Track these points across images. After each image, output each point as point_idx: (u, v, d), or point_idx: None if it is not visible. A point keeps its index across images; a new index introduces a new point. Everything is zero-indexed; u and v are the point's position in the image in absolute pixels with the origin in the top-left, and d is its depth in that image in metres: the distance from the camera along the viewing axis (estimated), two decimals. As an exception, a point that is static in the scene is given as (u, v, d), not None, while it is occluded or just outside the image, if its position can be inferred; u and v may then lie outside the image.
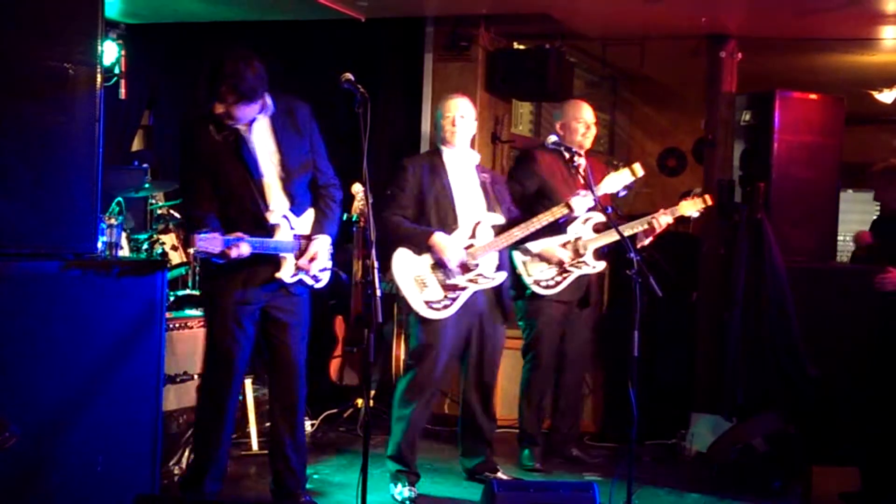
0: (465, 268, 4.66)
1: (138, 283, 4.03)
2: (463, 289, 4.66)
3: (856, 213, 9.13)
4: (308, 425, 6.00)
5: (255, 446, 5.37)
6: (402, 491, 4.68)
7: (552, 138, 5.09)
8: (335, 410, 6.14)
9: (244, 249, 3.90)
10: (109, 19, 6.24)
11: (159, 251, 5.71)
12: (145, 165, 6.83)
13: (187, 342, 5.53)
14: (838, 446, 5.21)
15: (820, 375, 5.39)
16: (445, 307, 4.63)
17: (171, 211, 6.08)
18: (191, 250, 3.80)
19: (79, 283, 3.79)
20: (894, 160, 5.94)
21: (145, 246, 5.66)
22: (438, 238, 4.60)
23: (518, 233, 4.76)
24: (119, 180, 6.14)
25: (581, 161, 5.18)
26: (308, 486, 4.54)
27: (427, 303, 4.61)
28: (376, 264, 3.80)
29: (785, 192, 5.86)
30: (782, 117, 5.87)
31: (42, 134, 3.73)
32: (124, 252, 5.32)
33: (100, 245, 4.07)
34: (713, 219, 6.12)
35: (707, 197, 5.23)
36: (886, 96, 7.87)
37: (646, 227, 5.07)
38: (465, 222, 4.70)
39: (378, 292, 3.70)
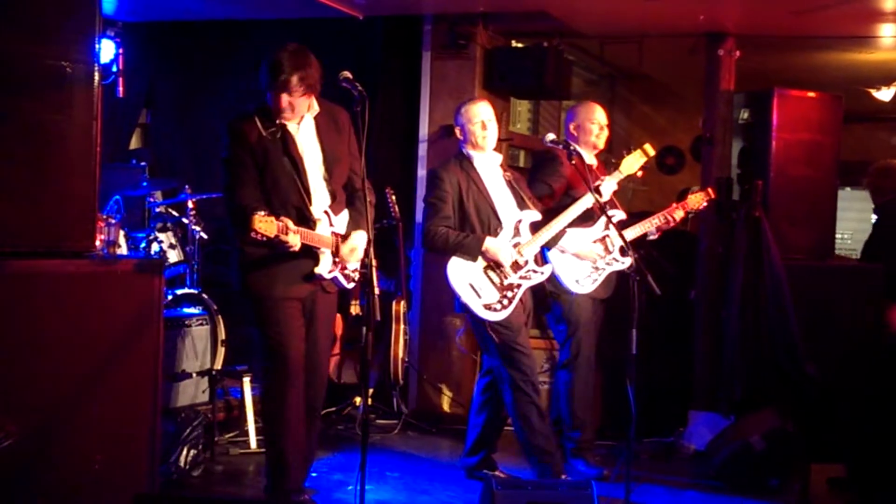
0: (516, 266, 4.78)
1: (136, 282, 4.03)
2: (518, 286, 4.78)
3: (854, 212, 9.15)
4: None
5: (253, 444, 5.37)
6: None
7: (550, 136, 5.10)
8: (333, 409, 6.15)
9: (293, 239, 3.95)
10: (106, 17, 6.23)
11: (157, 249, 5.72)
12: (143, 164, 6.83)
13: (185, 340, 5.54)
14: (836, 443, 5.22)
15: (817, 373, 5.40)
16: (504, 307, 4.74)
17: (170, 209, 6.09)
18: (251, 233, 3.78)
19: (77, 282, 3.79)
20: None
21: (143, 244, 5.66)
22: (490, 243, 4.74)
23: (557, 225, 4.90)
24: (117, 178, 6.15)
25: (593, 162, 5.31)
26: (306, 484, 4.53)
27: (486, 306, 4.72)
28: (374, 263, 3.83)
29: (783, 190, 5.86)
30: (780, 115, 5.86)
31: (40, 132, 3.74)
32: (122, 250, 5.33)
33: (98, 243, 4.06)
34: (711, 217, 6.13)
35: (710, 189, 5.38)
36: (884, 94, 7.87)
37: (661, 221, 5.21)
38: (507, 222, 4.83)
39: (376, 291, 3.73)
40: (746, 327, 5.64)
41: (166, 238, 5.85)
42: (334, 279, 4.25)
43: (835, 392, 5.35)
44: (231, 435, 5.56)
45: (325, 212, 4.22)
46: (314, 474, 5.00)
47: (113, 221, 4.64)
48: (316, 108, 4.22)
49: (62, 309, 3.74)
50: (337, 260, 4.23)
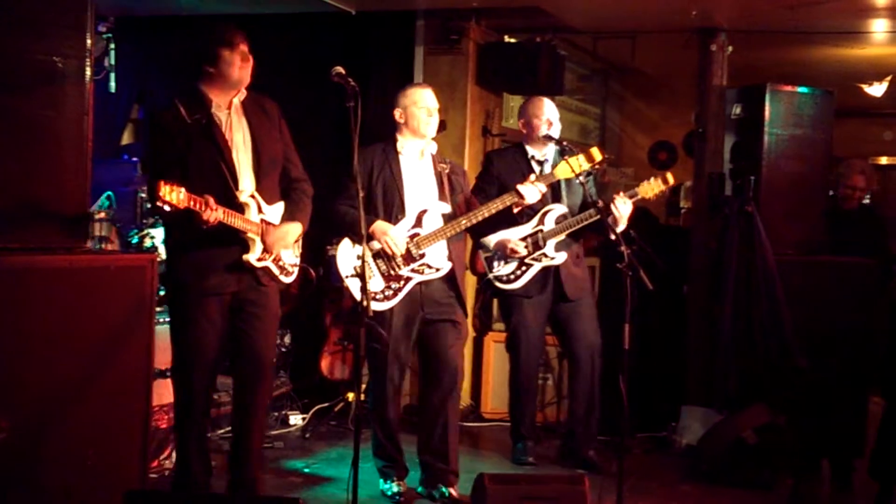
0: (409, 258, 4.58)
1: (128, 277, 4.02)
2: (407, 279, 4.56)
3: (846, 207, 9.14)
4: (299, 419, 6.01)
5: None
6: (390, 485, 4.68)
7: (543, 132, 5.13)
8: (326, 405, 6.15)
9: (215, 213, 3.80)
10: (98, 12, 6.21)
11: (149, 245, 5.70)
12: (135, 159, 6.81)
13: (178, 336, 5.52)
14: (830, 438, 5.24)
15: (810, 367, 5.41)
16: (387, 298, 4.52)
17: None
18: (157, 202, 3.63)
19: (68, 277, 3.78)
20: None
21: (135, 240, 5.64)
22: (379, 226, 4.52)
23: (465, 221, 4.61)
24: (109, 174, 6.12)
25: (544, 155, 5.25)
26: (298, 479, 4.54)
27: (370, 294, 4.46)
28: (355, 257, 3.78)
29: (775, 185, 5.87)
30: (773, 110, 5.88)
31: (31, 128, 3.72)
32: (114, 246, 5.31)
33: (89, 239, 4.05)
34: (704, 212, 6.14)
35: (668, 175, 5.11)
36: (876, 89, 7.89)
37: (593, 218, 4.98)
38: (411, 212, 4.61)
39: (368, 286, 3.69)
40: (739, 322, 5.65)
41: (158, 233, 5.83)
42: (265, 269, 4.12)
43: (827, 385, 5.36)
44: (223, 431, 5.54)
45: (253, 196, 4.07)
46: (306, 470, 5.00)
47: (105, 217, 4.63)
48: (243, 94, 4.14)
49: (54, 305, 3.72)
50: (268, 240, 4.07)
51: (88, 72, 3.87)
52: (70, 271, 3.79)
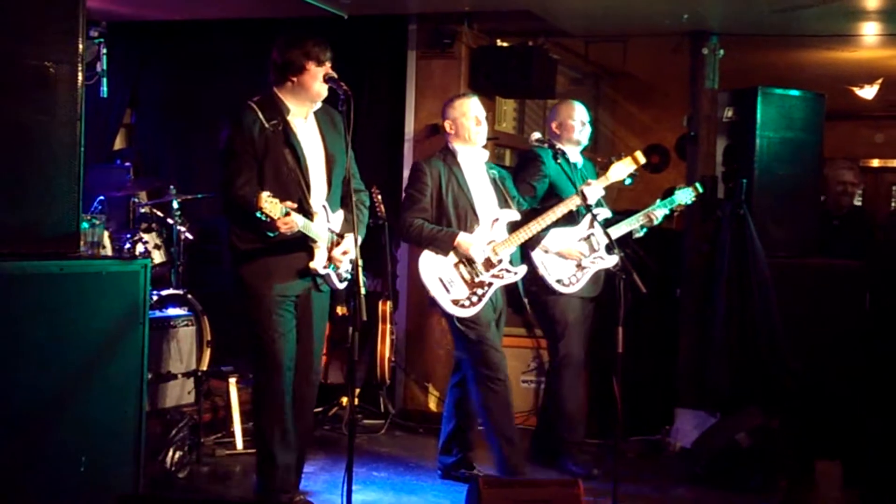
0: (489, 264, 4.76)
1: (121, 282, 4.01)
2: (489, 285, 4.77)
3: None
4: (293, 424, 6.00)
5: (239, 445, 5.36)
6: None
7: (536, 135, 5.11)
8: (320, 409, 6.14)
9: (294, 223, 3.94)
10: (90, 17, 6.20)
11: (142, 250, 5.70)
12: (128, 164, 6.80)
13: (171, 341, 5.52)
14: (823, 439, 5.25)
15: (802, 368, 5.43)
16: (473, 304, 4.73)
17: (154, 210, 6.06)
18: (257, 212, 3.78)
19: (61, 283, 3.77)
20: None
21: (128, 245, 5.64)
22: (463, 238, 4.73)
23: (535, 226, 4.87)
24: (101, 179, 6.12)
25: (579, 159, 5.31)
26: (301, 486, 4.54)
27: (455, 301, 4.71)
28: (360, 263, 3.82)
29: (767, 187, 5.89)
30: (764, 113, 5.89)
31: (23, 133, 3.71)
32: (107, 251, 5.30)
33: (82, 244, 4.04)
34: (696, 215, 6.15)
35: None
36: (867, 92, 7.92)
37: (645, 219, 5.19)
38: (485, 220, 4.82)
39: (363, 291, 3.72)
40: (732, 325, 5.66)
41: (151, 238, 5.83)
42: (327, 277, 4.24)
43: (819, 387, 5.38)
44: (217, 436, 5.54)
45: (323, 206, 4.22)
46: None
47: (97, 222, 4.62)
48: (318, 104, 4.25)
49: (47, 310, 3.72)
50: (333, 255, 4.21)
51: (81, 76, 3.86)
52: (62, 277, 3.78)
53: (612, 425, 4.25)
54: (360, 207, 4.41)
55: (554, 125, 5.35)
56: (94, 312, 3.89)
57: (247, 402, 5.26)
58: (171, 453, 4.83)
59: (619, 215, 5.31)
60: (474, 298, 4.73)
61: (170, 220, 5.89)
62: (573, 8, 6.21)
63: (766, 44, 6.95)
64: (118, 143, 7.43)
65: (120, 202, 6.23)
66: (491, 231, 4.82)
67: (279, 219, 3.88)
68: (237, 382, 5.45)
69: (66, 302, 3.79)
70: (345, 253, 4.23)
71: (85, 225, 4.20)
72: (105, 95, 5.86)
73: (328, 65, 4.13)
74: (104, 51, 6.05)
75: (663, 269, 6.09)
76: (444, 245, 4.73)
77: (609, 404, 4.27)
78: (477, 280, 4.74)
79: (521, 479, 4.56)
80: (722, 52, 6.39)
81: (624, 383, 4.19)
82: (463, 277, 4.75)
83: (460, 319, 4.73)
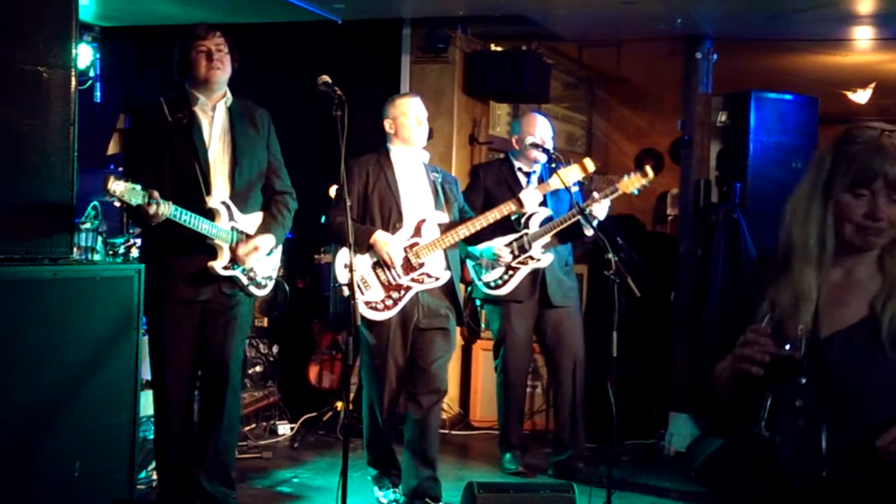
0: (408, 267, 4.58)
1: (115, 287, 4.00)
2: (406, 288, 4.55)
3: (831, 213, 9.18)
4: (287, 429, 6.00)
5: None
6: (386, 493, 4.67)
7: (530, 139, 5.13)
8: (314, 414, 6.13)
9: (164, 208, 3.74)
10: (84, 22, 6.20)
11: (136, 255, 5.68)
12: (121, 169, 6.78)
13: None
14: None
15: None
16: (387, 308, 4.51)
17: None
18: (108, 197, 3.68)
19: (55, 288, 3.76)
20: None
21: (121, 250, 5.62)
22: (379, 236, 4.50)
23: (464, 230, 4.64)
24: (95, 184, 6.08)
25: (533, 167, 5.25)
26: (287, 489, 4.52)
27: (368, 304, 4.48)
28: (356, 268, 3.78)
29: (761, 191, 5.90)
30: (758, 118, 5.91)
31: (16, 138, 3.70)
32: (100, 256, 5.28)
33: (76, 249, 4.03)
34: (690, 219, 6.16)
35: (647, 169, 5.02)
36: (860, 96, 7.94)
37: (576, 215, 4.92)
38: (410, 221, 4.62)
39: (357, 295, 3.69)
40: (726, 329, 5.65)
41: (145, 243, 5.81)
42: (235, 279, 4.09)
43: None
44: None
45: (225, 204, 4.04)
46: (295, 480, 4.98)
47: (90, 227, 4.61)
48: (230, 98, 4.13)
49: (40, 315, 3.70)
50: (238, 252, 4.03)
51: (74, 81, 3.86)
52: (56, 282, 3.77)
53: (606, 429, 4.24)
54: (281, 210, 4.25)
55: (514, 139, 5.34)
56: (88, 317, 3.87)
57: (242, 406, 5.24)
58: (164, 459, 4.80)
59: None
60: (389, 302, 4.51)
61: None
62: (567, 12, 6.22)
63: (760, 48, 6.96)
64: (111, 148, 7.41)
65: (113, 207, 6.20)
66: (416, 233, 4.61)
67: (145, 206, 3.69)
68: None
69: (60, 307, 3.77)
70: (253, 250, 4.04)
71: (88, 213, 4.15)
72: (98, 100, 5.86)
73: (204, 46, 4.04)
74: (97, 56, 6.05)
75: (657, 273, 6.09)
76: (360, 242, 4.46)
77: (604, 408, 4.27)
78: (394, 283, 4.54)
79: (515, 484, 4.55)
80: (716, 56, 6.40)
81: (618, 387, 4.19)
82: (379, 279, 4.54)
83: (369, 323, 4.49)
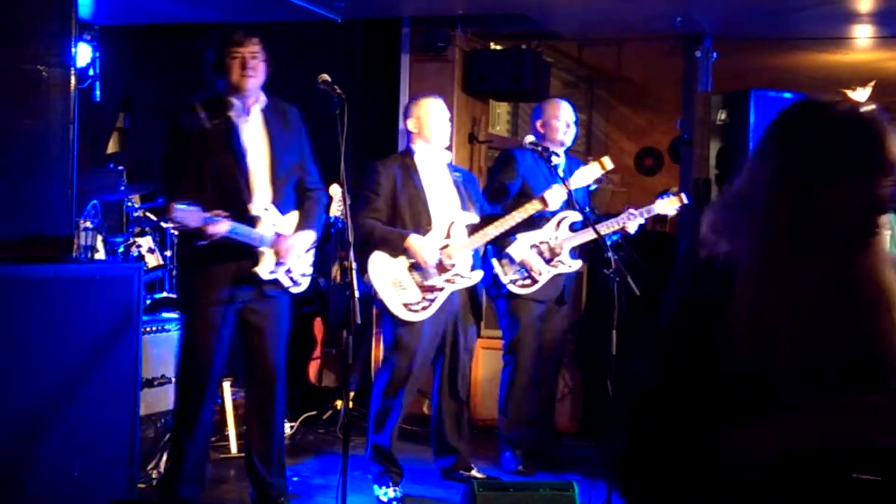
0: (441, 268, 4.66)
1: (115, 287, 4.00)
2: (440, 289, 4.66)
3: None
4: (287, 427, 5.99)
5: (234, 449, 5.35)
6: (387, 491, 4.69)
7: (530, 138, 5.11)
8: (314, 412, 6.13)
9: (222, 227, 3.79)
10: (83, 21, 6.20)
11: (136, 254, 5.68)
12: (121, 168, 6.78)
13: (164, 345, 5.49)
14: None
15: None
16: (424, 308, 4.62)
17: (148, 213, 6.05)
18: (168, 223, 3.72)
19: (54, 287, 3.76)
20: None
21: (121, 249, 5.63)
22: (414, 240, 4.59)
23: (493, 230, 4.74)
24: (95, 183, 6.10)
25: (560, 159, 5.22)
26: (287, 488, 4.51)
27: (405, 305, 4.60)
28: (355, 266, 3.80)
29: (761, 190, 5.90)
30: (758, 116, 5.91)
31: (15, 137, 3.71)
32: (100, 255, 5.28)
33: (75, 248, 4.03)
34: (690, 217, 6.15)
35: (682, 196, 5.18)
36: (860, 95, 7.92)
37: (617, 228, 5.03)
38: (440, 222, 4.69)
39: (357, 294, 3.70)
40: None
41: (145, 242, 5.81)
42: (276, 282, 4.12)
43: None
44: (211, 440, 5.52)
45: (266, 209, 4.07)
46: (295, 478, 4.98)
47: (90, 226, 4.61)
48: (264, 100, 4.13)
49: (40, 315, 3.71)
50: (280, 248, 4.07)
51: (73, 80, 3.86)
52: (56, 281, 3.77)
53: (605, 427, 4.24)
54: (314, 206, 4.28)
55: (538, 124, 5.32)
56: (88, 317, 3.88)
57: (241, 405, 5.25)
58: (164, 458, 4.81)
59: (598, 218, 5.27)
60: (425, 303, 4.62)
61: (163, 224, 5.87)
62: (567, 11, 6.22)
63: (760, 47, 6.97)
64: (111, 147, 7.42)
65: (113, 206, 6.22)
66: (447, 234, 4.70)
67: (203, 227, 3.73)
68: (231, 386, 5.44)
69: (60, 306, 3.78)
70: (290, 248, 4.08)
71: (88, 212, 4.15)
72: (98, 99, 5.86)
73: (238, 52, 3.99)
74: (97, 55, 6.05)
75: (657, 271, 6.09)
76: (395, 246, 4.59)
77: (603, 407, 4.26)
78: (428, 284, 4.64)
79: (515, 482, 4.55)
80: (715, 55, 6.40)
81: (618, 385, 4.19)
82: (415, 280, 4.64)
83: (404, 323, 4.61)
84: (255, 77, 4.05)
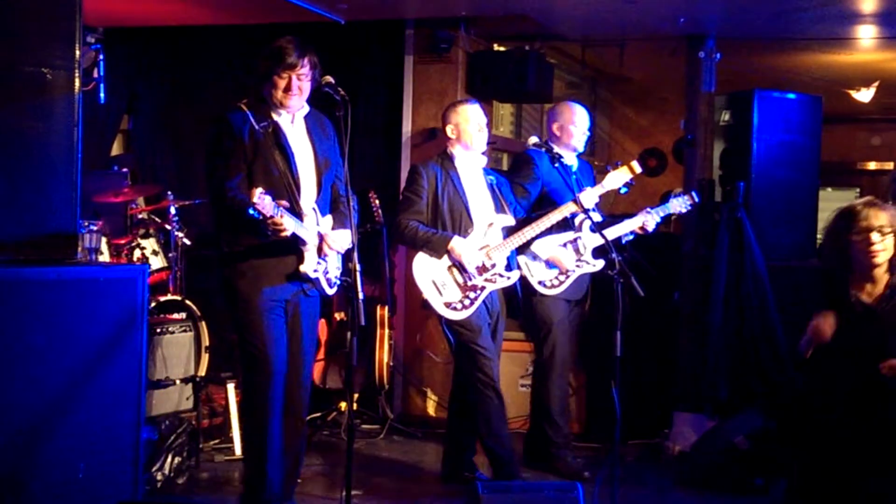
0: (482, 268, 4.78)
1: (119, 289, 4.01)
2: (482, 289, 4.79)
3: (835, 212, 9.17)
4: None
5: (238, 451, 5.34)
6: None
7: (533, 139, 5.11)
8: (318, 414, 6.13)
9: (288, 223, 3.87)
10: (87, 23, 6.20)
11: (140, 256, 5.70)
12: (125, 170, 6.80)
13: (168, 347, 5.52)
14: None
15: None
16: (465, 307, 4.75)
17: (152, 215, 6.07)
18: (249, 209, 3.72)
19: (59, 289, 3.77)
20: None
21: (126, 251, 5.64)
22: (457, 242, 4.75)
23: (530, 231, 4.88)
24: (99, 185, 6.12)
25: (573, 162, 5.28)
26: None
27: (447, 304, 4.74)
28: (358, 268, 3.81)
29: (764, 190, 5.89)
30: (761, 117, 5.90)
31: (20, 140, 3.72)
32: (105, 257, 5.30)
33: (80, 250, 4.04)
34: (694, 218, 6.15)
35: (693, 194, 5.28)
36: (863, 95, 7.93)
37: (636, 227, 5.15)
38: (479, 224, 4.84)
39: (360, 296, 3.71)
40: (730, 328, 5.65)
41: (149, 244, 5.83)
42: (317, 281, 4.19)
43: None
44: (216, 442, 5.54)
45: (313, 208, 4.18)
46: (299, 480, 4.99)
47: (95, 228, 4.62)
48: (306, 109, 4.22)
49: (44, 317, 3.71)
50: (320, 260, 4.16)
51: (78, 83, 3.87)
52: (60, 283, 3.78)
53: (610, 429, 4.24)
54: (348, 211, 4.27)
55: (555, 126, 5.33)
56: (92, 319, 3.88)
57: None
58: (169, 459, 4.82)
59: (612, 219, 5.31)
60: (466, 302, 4.75)
61: (167, 226, 5.89)
62: (570, 12, 6.22)
63: (763, 47, 6.96)
64: (115, 149, 7.43)
65: (117, 208, 6.24)
66: (485, 235, 4.85)
67: (271, 218, 3.80)
68: (236, 388, 5.44)
69: (64, 308, 3.78)
70: (334, 242, 4.17)
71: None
72: (102, 101, 5.85)
73: (287, 74, 4.03)
74: (101, 57, 6.05)
75: (661, 272, 6.09)
76: (438, 248, 4.76)
77: (607, 408, 4.26)
78: (469, 284, 4.77)
79: (519, 483, 4.55)
80: (719, 55, 6.39)
81: (622, 387, 4.18)
82: (456, 281, 4.78)
83: (451, 322, 4.76)
84: (299, 97, 4.12)
